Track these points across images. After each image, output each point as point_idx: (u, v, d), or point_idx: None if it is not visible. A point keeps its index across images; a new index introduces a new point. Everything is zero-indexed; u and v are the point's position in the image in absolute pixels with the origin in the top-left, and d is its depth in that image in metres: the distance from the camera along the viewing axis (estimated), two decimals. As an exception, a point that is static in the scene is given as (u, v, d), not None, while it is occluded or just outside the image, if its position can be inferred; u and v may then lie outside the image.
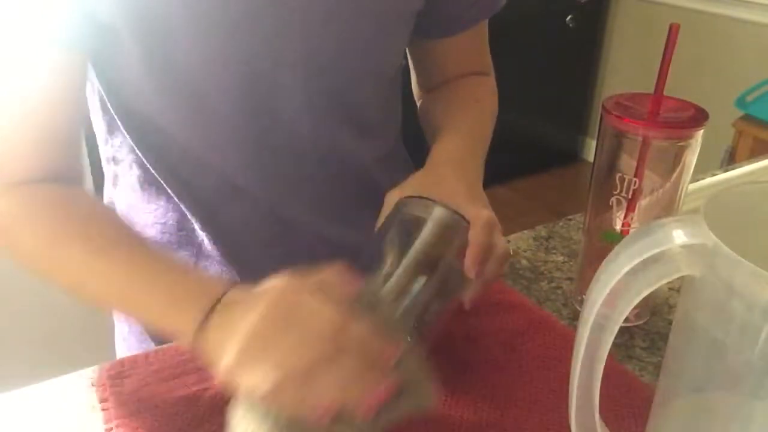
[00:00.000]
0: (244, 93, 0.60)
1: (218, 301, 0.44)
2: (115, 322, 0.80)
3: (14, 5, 0.52)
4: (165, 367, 0.57)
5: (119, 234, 0.54)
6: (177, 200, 0.67)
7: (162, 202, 0.68)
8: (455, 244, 0.52)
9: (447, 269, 0.52)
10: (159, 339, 0.73)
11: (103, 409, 0.53)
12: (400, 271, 0.50)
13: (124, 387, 0.55)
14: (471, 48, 0.77)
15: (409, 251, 0.51)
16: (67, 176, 0.59)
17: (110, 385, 0.55)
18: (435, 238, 0.51)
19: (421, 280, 0.50)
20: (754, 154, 1.87)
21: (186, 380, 0.56)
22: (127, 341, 0.77)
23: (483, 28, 0.77)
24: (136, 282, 0.50)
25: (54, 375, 0.57)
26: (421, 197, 0.54)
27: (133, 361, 0.58)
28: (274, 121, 0.63)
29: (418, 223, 0.52)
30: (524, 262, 0.74)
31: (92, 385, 0.56)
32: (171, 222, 0.69)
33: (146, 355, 0.59)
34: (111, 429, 0.51)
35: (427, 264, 0.51)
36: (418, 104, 0.80)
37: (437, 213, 0.52)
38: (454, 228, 0.52)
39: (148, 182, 0.67)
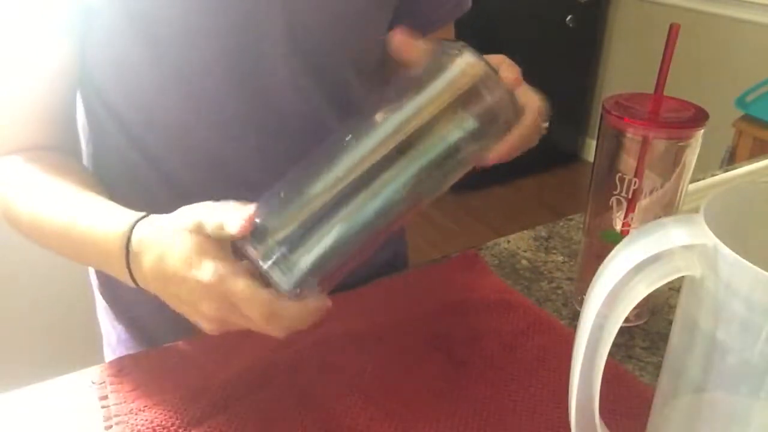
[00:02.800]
0: (227, 68, 0.61)
1: (128, 251, 0.48)
2: (103, 332, 0.79)
3: None
4: (165, 365, 0.57)
5: (59, 194, 0.56)
6: (156, 189, 0.66)
7: (140, 192, 0.67)
8: (486, 100, 0.47)
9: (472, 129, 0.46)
10: (150, 343, 0.73)
11: (102, 407, 0.53)
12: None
13: (124, 385, 0.55)
14: None
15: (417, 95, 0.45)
16: (56, 147, 0.62)
17: (110, 383, 0.55)
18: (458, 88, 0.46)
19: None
20: (754, 154, 1.87)
21: (186, 379, 0.56)
22: (116, 351, 0.76)
23: (449, 35, 0.76)
24: (70, 246, 0.54)
25: (54, 375, 0.57)
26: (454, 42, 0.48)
27: (133, 359, 0.58)
28: (259, 98, 0.63)
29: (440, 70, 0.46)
30: (524, 262, 0.74)
31: (92, 383, 0.56)
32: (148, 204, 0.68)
33: (146, 354, 0.59)
34: (111, 426, 0.51)
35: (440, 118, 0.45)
36: None
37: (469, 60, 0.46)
38: (486, 84, 0.47)
39: (128, 172, 0.67)
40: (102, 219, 0.51)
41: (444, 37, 0.76)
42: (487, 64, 0.47)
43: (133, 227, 0.48)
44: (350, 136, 0.46)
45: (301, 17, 0.61)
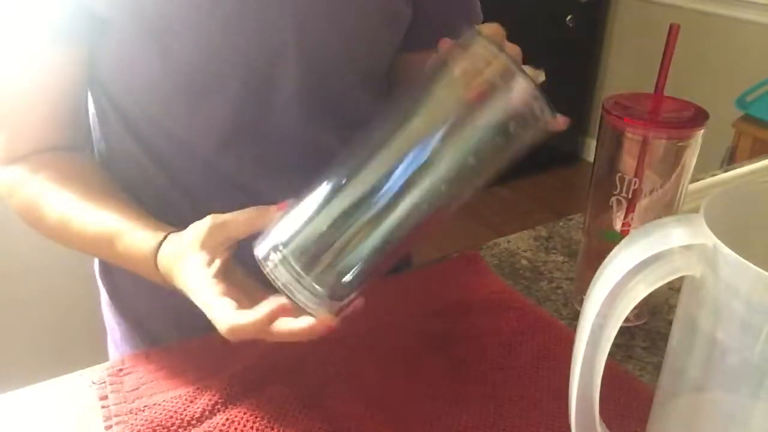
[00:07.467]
0: (240, 86, 0.61)
1: (156, 264, 0.54)
2: (107, 328, 0.79)
3: (18, 3, 0.55)
4: (164, 365, 0.57)
5: (88, 195, 0.61)
6: (165, 190, 0.67)
7: (149, 193, 0.68)
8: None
9: None
10: (154, 341, 0.73)
11: (102, 407, 0.53)
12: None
13: (124, 385, 0.55)
14: None
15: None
16: (68, 146, 0.65)
17: (110, 383, 0.55)
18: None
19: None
20: (754, 154, 1.87)
21: (185, 378, 0.56)
22: (120, 348, 0.77)
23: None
24: (101, 247, 0.59)
25: (54, 375, 0.57)
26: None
27: (133, 359, 0.58)
28: (263, 112, 0.64)
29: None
30: (524, 262, 0.74)
31: (92, 383, 0.56)
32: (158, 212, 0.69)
33: (146, 354, 0.59)
34: (111, 426, 0.51)
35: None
36: None
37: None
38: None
39: (138, 174, 0.67)
40: (133, 238, 0.56)
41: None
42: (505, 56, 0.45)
43: (157, 252, 0.54)
44: (373, 142, 0.45)
45: (312, 36, 0.61)
